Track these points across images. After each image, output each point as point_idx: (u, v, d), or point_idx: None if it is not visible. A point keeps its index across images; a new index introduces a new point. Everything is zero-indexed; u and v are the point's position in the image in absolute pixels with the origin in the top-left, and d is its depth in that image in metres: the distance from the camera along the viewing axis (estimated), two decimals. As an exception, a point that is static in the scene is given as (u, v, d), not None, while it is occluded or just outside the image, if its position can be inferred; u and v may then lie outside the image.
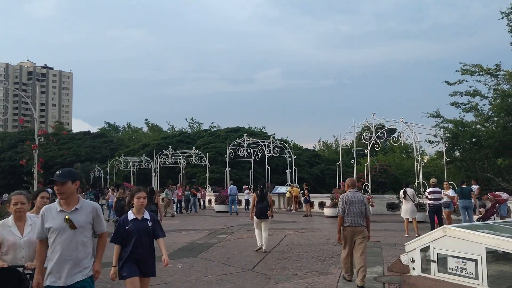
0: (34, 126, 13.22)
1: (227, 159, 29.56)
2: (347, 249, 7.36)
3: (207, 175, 34.34)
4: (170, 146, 37.63)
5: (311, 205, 26.14)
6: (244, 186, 27.12)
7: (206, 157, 35.63)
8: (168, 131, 74.11)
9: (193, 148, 38.27)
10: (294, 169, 28.02)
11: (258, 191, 11.25)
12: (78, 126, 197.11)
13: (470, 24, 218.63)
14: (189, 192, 26.56)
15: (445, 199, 14.31)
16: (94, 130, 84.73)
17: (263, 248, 10.90)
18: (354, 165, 22.36)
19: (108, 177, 46.38)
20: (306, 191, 22.70)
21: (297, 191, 26.81)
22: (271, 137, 35.06)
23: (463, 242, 6.23)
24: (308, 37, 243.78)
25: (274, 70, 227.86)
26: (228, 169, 29.62)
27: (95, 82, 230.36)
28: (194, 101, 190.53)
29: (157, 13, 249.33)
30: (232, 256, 10.45)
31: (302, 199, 23.94)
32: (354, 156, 22.26)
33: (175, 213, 24.44)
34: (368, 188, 21.46)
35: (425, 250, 6.92)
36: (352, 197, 7.30)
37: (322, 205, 25.40)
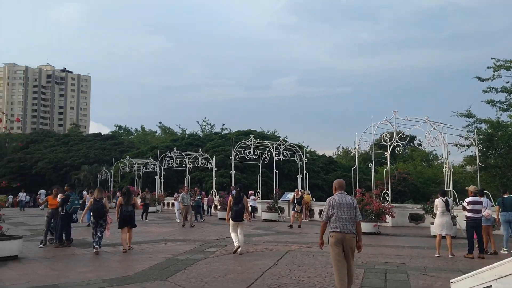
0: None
1: (232, 162, 27.18)
2: (339, 255, 6.31)
3: (214, 179, 32.05)
4: (175, 148, 35.55)
5: (310, 213, 23.70)
6: (250, 192, 24.70)
7: (213, 160, 33.36)
8: (179, 134, 72.25)
9: (200, 150, 36.03)
10: (306, 174, 25.49)
11: (234, 193, 11.12)
12: (95, 129, 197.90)
13: (491, 32, 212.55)
14: (200, 197, 24.13)
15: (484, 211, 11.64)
16: (108, 133, 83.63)
17: (239, 250, 11.03)
18: (372, 169, 19.73)
19: (112, 179, 44.52)
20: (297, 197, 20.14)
21: (309, 198, 24.26)
22: (281, 139, 32.42)
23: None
24: (325, 44, 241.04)
25: (290, 77, 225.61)
26: (233, 172, 27.23)
27: (113, 86, 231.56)
28: (210, 107, 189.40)
29: (177, 21, 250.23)
30: (212, 280, 8.04)
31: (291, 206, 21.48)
32: (372, 158, 19.60)
33: (194, 222, 20.52)
34: (387, 196, 18.83)
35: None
36: (340, 200, 6.47)
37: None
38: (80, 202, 18.03)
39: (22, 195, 40.88)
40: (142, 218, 22.93)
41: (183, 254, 11.22)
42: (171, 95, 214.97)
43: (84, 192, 21.87)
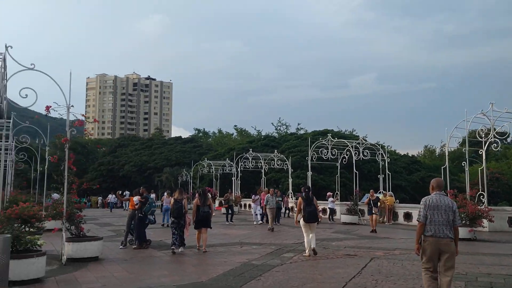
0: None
1: (309, 162, 26.34)
2: (429, 264, 5.81)
3: (290, 180, 31.44)
4: (250, 149, 35.49)
5: (393, 216, 22.10)
6: (328, 194, 23.76)
7: (289, 161, 32.78)
8: (255, 136, 72.65)
9: (275, 151, 35.62)
10: (388, 174, 23.96)
11: (303, 195, 11.09)
12: (177, 133, 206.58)
13: None
14: (281, 199, 23.43)
15: None
16: (188, 136, 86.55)
17: (312, 252, 10.93)
18: (466, 168, 17.84)
19: (191, 181, 45.67)
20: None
21: (392, 200, 22.74)
22: (361, 138, 30.94)
23: None
24: (406, 39, 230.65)
25: (369, 75, 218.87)
26: (310, 173, 26.39)
27: (192, 91, 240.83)
28: (285, 108, 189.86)
29: (252, 24, 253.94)
30: (289, 290, 7.40)
31: (366, 209, 19.99)
32: (466, 156, 17.72)
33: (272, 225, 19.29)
34: (483, 198, 16.93)
35: None
36: (437, 201, 5.88)
37: (408, 216, 21.40)
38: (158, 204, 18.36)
39: (111, 197, 43.36)
40: (227, 220, 22.40)
41: (259, 259, 10.70)
42: (246, 98, 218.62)
43: (165, 194, 22.19)
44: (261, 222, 21.91)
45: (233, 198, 26.55)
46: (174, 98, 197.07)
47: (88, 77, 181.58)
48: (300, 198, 11.25)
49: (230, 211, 23.00)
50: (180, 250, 11.65)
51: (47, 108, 9.96)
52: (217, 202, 38.54)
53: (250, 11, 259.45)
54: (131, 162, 68.49)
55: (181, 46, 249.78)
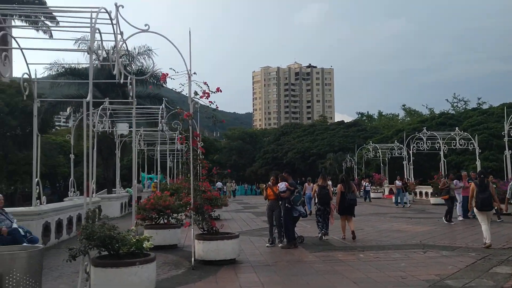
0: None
1: (506, 139, 20.48)
2: None
3: (478, 163, 25.57)
4: (424, 128, 30.35)
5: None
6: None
7: (475, 140, 26.84)
8: (427, 115, 64.68)
9: (456, 129, 29.74)
10: None
11: (477, 181, 10.06)
12: (340, 119, 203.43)
13: None
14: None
15: None
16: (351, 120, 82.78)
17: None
18: None
19: (356, 166, 42.14)
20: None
21: None
22: None
23: None
24: None
25: None
26: (508, 152, 20.47)
27: (353, 76, 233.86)
28: (458, 85, 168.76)
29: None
30: None
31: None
32: None
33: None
34: None
35: None
36: None
37: None
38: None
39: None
40: (446, 219, 14.99)
41: (456, 275, 7.11)
42: (413, 77, 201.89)
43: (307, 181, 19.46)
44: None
45: (453, 187, 15.97)
46: (336, 85, 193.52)
47: (254, 71, 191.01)
48: (472, 183, 10.48)
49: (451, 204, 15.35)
50: (325, 238, 11.24)
51: (163, 76, 8.13)
52: (386, 190, 34.58)
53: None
54: (294, 149, 68.12)
55: (341, 31, 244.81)
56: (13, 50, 11.75)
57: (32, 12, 12.86)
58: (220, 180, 40.59)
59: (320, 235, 11.28)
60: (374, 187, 33.72)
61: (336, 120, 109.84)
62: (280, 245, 10.32)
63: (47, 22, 21.49)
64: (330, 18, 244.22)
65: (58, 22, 16.95)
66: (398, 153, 36.15)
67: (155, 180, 25.75)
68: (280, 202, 10.37)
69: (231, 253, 8.41)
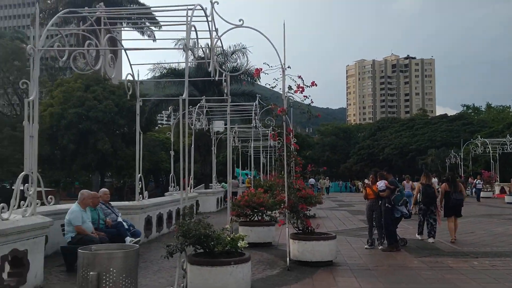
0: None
1: None
2: None
3: None
4: (545, 120, 26.95)
5: None
6: None
7: None
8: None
9: None
10: None
11: None
12: (442, 112, 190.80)
13: None
14: None
15: None
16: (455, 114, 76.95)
17: None
18: None
19: (462, 163, 38.87)
20: None
21: None
22: None
23: None
24: None
25: None
26: None
27: (457, 66, 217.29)
28: None
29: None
30: None
31: None
32: None
33: None
34: None
35: None
36: None
37: None
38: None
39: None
40: None
41: None
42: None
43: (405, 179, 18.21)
44: None
45: None
46: (437, 76, 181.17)
47: (348, 65, 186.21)
48: None
49: None
50: (430, 240, 10.49)
51: (257, 71, 7.95)
52: (497, 188, 31.38)
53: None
54: (391, 144, 65.10)
55: (442, 19, 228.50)
56: (122, 52, 12.45)
57: (137, 13, 13.52)
58: (313, 177, 40.04)
59: (431, 241, 10.49)
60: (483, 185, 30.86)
61: (437, 114, 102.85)
62: (380, 247, 9.67)
63: (148, 23, 22.77)
64: (428, 7, 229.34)
65: (160, 26, 17.76)
66: (510, 148, 32.70)
67: (249, 176, 26.09)
68: (380, 202, 9.71)
69: (328, 254, 8.00)
